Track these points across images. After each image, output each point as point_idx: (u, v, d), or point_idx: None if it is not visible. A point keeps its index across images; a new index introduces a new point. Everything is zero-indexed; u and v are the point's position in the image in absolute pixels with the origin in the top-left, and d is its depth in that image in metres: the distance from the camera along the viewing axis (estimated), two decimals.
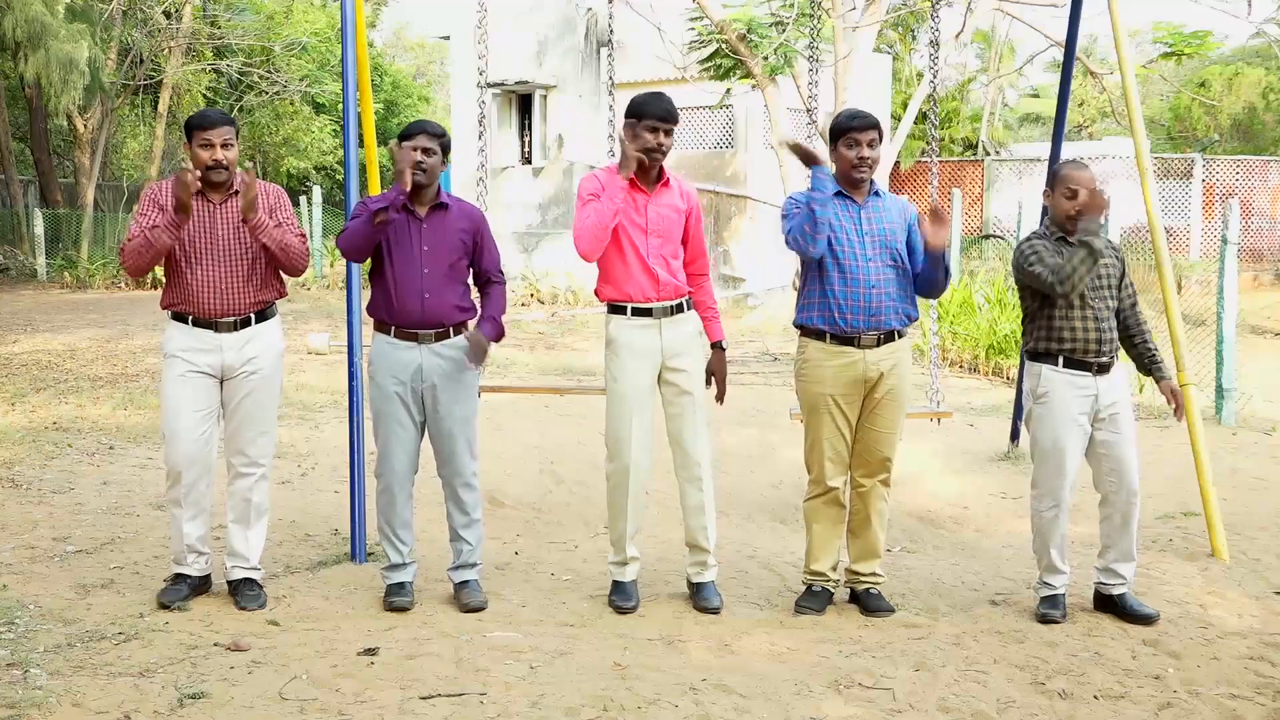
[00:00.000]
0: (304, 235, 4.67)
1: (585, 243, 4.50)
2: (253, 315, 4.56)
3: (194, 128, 4.45)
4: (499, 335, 4.71)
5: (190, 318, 4.51)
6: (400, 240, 4.56)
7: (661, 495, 6.15)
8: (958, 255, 16.00)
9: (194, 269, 4.47)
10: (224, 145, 4.44)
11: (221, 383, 4.55)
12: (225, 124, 4.47)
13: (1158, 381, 4.80)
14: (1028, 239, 4.69)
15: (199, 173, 4.41)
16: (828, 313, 4.56)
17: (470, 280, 4.76)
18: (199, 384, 4.51)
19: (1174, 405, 4.81)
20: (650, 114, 4.53)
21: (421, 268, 4.55)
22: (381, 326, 4.64)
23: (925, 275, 4.62)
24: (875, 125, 4.54)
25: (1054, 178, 4.66)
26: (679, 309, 4.67)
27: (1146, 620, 4.57)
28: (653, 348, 4.63)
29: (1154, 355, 4.79)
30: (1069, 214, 4.57)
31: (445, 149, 4.59)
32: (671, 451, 4.75)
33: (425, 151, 4.51)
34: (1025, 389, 4.78)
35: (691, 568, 4.82)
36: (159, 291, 4.69)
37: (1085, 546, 5.40)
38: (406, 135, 4.55)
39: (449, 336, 4.61)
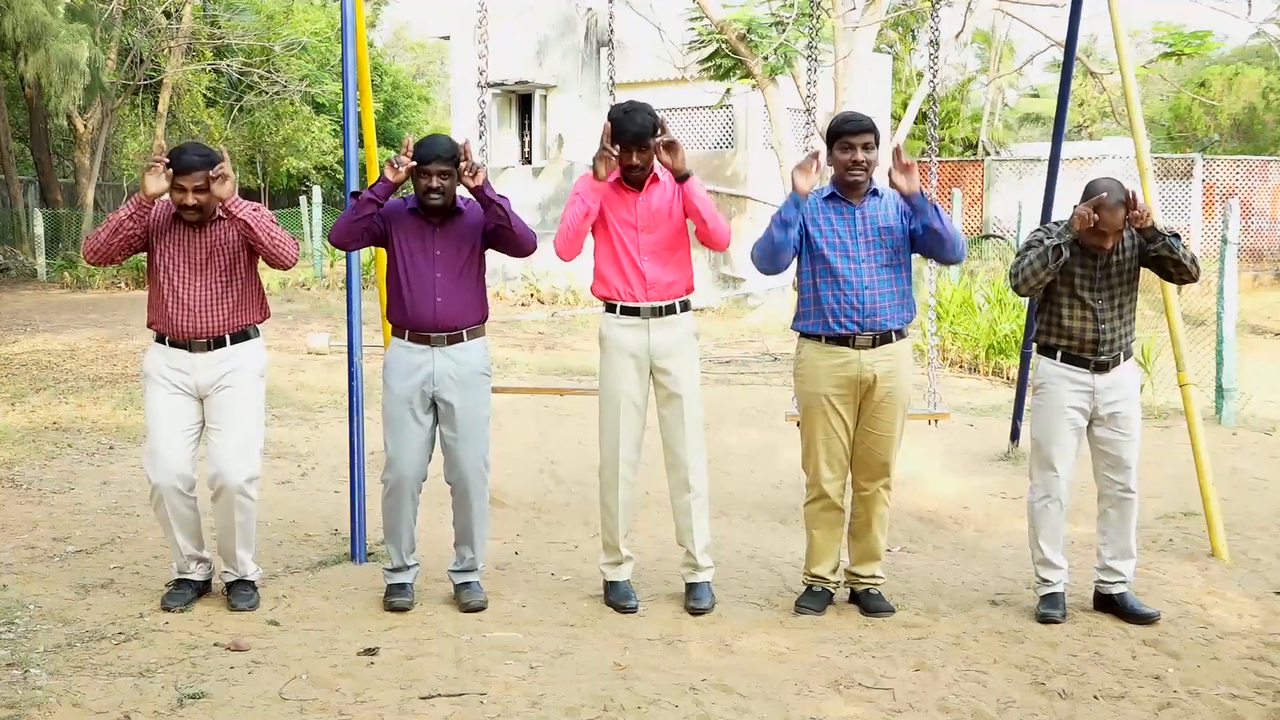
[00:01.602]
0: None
1: (558, 242, 4.59)
2: (228, 337, 4.52)
3: (172, 168, 4.34)
4: (501, 201, 4.54)
5: (166, 338, 4.50)
6: (414, 245, 4.56)
7: (661, 495, 6.14)
8: None
9: (171, 290, 4.46)
10: (196, 190, 4.35)
11: (200, 401, 4.53)
12: (202, 168, 4.34)
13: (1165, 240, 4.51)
14: (1041, 226, 4.74)
15: (165, 161, 4.36)
16: (822, 316, 4.57)
17: (486, 276, 4.76)
18: (177, 403, 4.49)
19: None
20: (621, 135, 4.51)
21: (435, 272, 4.55)
22: (397, 330, 4.65)
23: (925, 236, 4.51)
24: (870, 128, 4.50)
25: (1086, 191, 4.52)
26: (670, 310, 4.67)
27: (1147, 620, 4.57)
28: (640, 347, 4.64)
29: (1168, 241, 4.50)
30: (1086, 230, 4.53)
31: (458, 162, 4.51)
32: (663, 453, 4.77)
33: (441, 175, 4.47)
34: (1030, 380, 4.82)
35: (683, 569, 4.84)
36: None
37: (1085, 547, 5.40)
38: (421, 159, 4.47)
39: (462, 340, 4.61)
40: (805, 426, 4.71)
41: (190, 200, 4.37)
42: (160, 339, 4.54)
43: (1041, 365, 4.70)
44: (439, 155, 4.48)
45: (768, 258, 4.57)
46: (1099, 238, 4.47)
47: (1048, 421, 4.65)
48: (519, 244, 4.61)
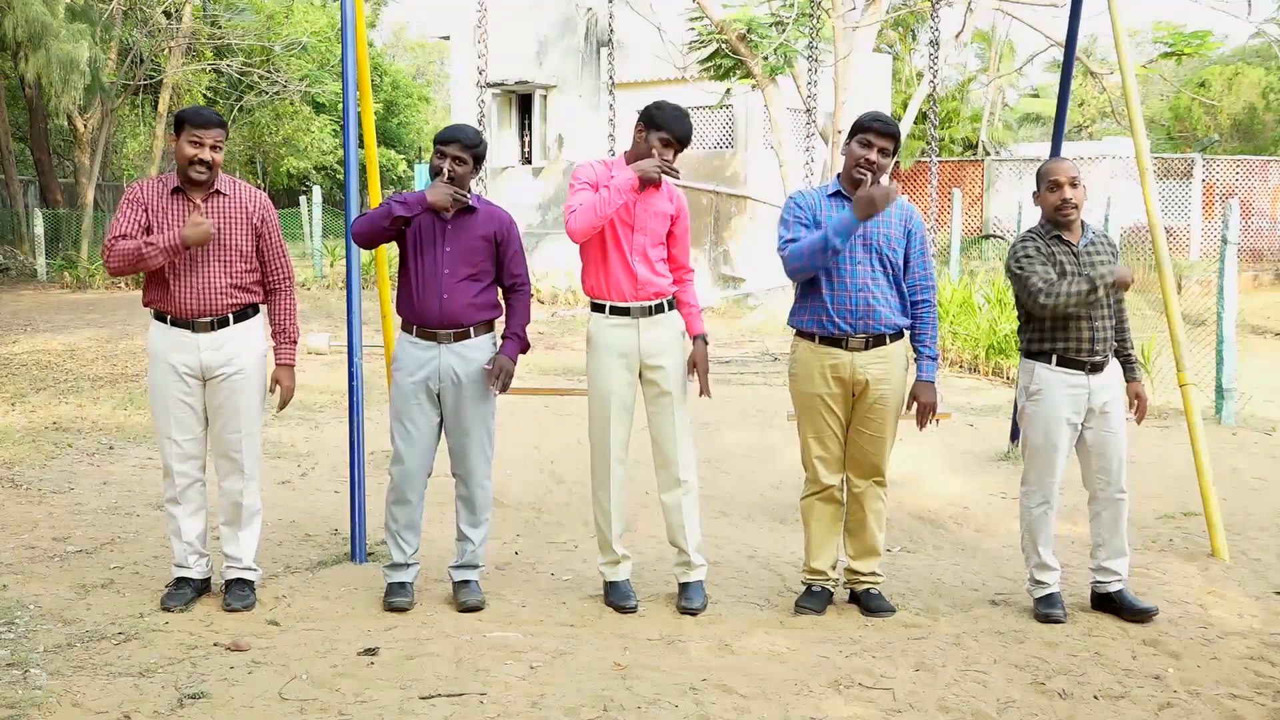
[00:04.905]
0: (285, 256, 4.69)
1: (580, 223, 4.48)
2: (230, 316, 4.53)
3: (187, 123, 4.42)
4: (523, 349, 4.71)
5: (169, 317, 4.50)
6: (424, 241, 4.57)
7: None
8: (958, 255, 16.00)
9: (173, 268, 4.45)
10: (213, 147, 4.42)
11: (204, 384, 4.54)
12: (218, 126, 4.45)
13: (1128, 383, 4.83)
14: (1022, 238, 4.69)
15: (207, 221, 4.40)
16: (817, 315, 4.58)
17: (495, 283, 4.75)
18: (183, 383, 4.50)
19: (1138, 407, 4.84)
20: (674, 132, 4.56)
21: (442, 269, 4.56)
22: (405, 325, 4.67)
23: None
24: (894, 135, 4.50)
25: (1037, 177, 4.70)
26: (659, 309, 4.68)
27: (1144, 615, 4.58)
28: (630, 347, 4.65)
29: (1129, 358, 4.82)
30: (1055, 206, 4.58)
31: (478, 159, 4.58)
32: (652, 451, 4.78)
33: (457, 160, 4.51)
34: (1020, 385, 4.78)
35: (676, 568, 4.85)
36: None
37: (1082, 547, 5.40)
38: (442, 141, 4.53)
39: (468, 337, 4.62)
40: (801, 425, 4.73)
41: (206, 155, 4.40)
42: (160, 317, 4.52)
43: (1038, 371, 4.65)
44: (459, 139, 4.53)
45: (804, 272, 4.55)
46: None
47: (1048, 427, 4.62)
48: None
